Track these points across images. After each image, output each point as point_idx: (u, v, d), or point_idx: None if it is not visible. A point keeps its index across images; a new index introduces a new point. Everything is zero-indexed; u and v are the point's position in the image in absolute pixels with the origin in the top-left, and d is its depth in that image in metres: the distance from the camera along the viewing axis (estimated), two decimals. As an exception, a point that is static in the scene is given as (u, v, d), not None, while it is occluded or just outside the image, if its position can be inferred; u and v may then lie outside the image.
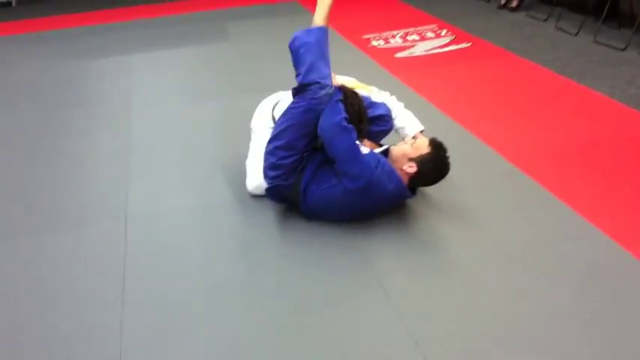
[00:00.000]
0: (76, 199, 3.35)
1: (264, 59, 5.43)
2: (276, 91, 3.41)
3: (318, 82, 2.85)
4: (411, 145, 2.90)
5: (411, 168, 2.84)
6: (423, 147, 2.87)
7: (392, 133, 3.23)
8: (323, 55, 2.94)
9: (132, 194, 3.34)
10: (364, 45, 5.64)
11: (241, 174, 3.33)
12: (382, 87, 3.46)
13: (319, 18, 3.03)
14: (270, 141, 2.97)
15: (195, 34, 6.56)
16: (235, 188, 3.31)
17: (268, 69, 5.06)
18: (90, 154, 3.88)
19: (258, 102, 3.42)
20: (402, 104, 3.21)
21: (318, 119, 2.85)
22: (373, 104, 3.03)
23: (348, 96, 2.93)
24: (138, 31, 6.81)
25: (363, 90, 3.20)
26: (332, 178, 2.85)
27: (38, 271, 2.78)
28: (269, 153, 2.96)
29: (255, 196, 3.18)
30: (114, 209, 3.21)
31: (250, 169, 3.22)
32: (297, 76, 2.95)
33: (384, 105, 3.11)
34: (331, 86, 2.88)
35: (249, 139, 3.36)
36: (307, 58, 2.91)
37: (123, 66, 5.58)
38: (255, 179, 3.15)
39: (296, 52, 2.96)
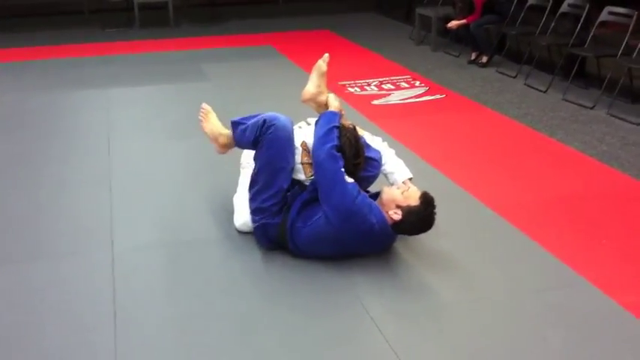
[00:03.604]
0: (61, 229, 3.29)
1: (240, 100, 5.46)
2: None
3: (242, 123, 3.12)
4: (402, 192, 2.88)
5: (396, 215, 2.83)
6: (414, 198, 2.84)
7: (380, 178, 3.23)
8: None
9: (116, 225, 3.29)
10: (341, 91, 5.72)
11: (225, 209, 3.33)
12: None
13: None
14: (250, 188, 3.03)
15: (172, 72, 6.55)
16: (220, 223, 3.29)
17: (244, 110, 5.04)
18: (71, 184, 3.82)
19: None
20: (393, 151, 3.24)
21: (280, 152, 2.93)
22: (367, 145, 3.06)
23: (346, 129, 2.97)
24: (114, 67, 6.77)
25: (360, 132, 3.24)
26: (316, 213, 2.86)
27: (27, 300, 2.70)
28: (251, 200, 3.02)
29: (242, 233, 3.16)
30: (100, 240, 3.16)
31: (238, 205, 3.20)
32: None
33: (376, 150, 3.12)
34: (258, 116, 3.02)
35: (229, 176, 3.35)
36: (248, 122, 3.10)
37: (100, 100, 5.53)
38: (243, 216, 3.13)
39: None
